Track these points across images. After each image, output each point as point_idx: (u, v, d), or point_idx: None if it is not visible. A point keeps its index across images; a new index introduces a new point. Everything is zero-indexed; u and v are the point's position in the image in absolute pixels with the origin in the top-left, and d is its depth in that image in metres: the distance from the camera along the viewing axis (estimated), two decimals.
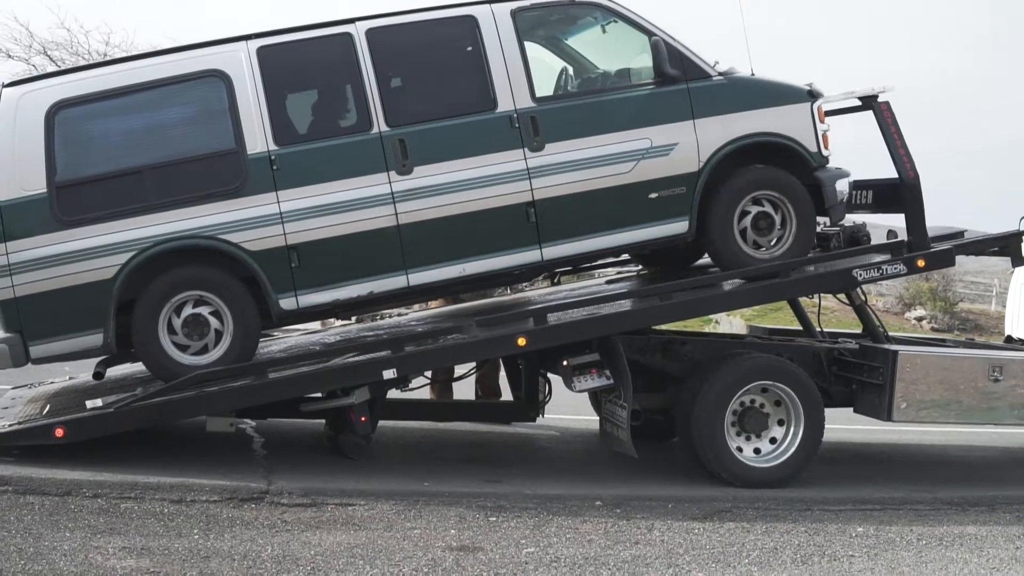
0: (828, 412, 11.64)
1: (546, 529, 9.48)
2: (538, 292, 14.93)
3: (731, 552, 9.14)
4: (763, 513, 10.35)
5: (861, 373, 11.95)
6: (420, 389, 12.95)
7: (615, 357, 11.04)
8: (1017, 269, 14.94)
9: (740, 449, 11.32)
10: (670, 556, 8.95)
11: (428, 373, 13.48)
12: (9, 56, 36.53)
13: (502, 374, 14.17)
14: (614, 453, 11.50)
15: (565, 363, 11.11)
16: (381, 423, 13.02)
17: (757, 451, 11.39)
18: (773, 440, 11.43)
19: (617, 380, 11.06)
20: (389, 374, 10.73)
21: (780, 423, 11.45)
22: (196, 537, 8.70)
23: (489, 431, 13.96)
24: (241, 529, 8.97)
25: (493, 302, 14.40)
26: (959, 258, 12.46)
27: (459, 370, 14.07)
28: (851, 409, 12.27)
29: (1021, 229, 13.02)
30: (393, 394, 12.17)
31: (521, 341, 10.88)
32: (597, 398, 11.98)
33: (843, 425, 13.39)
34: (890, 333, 13.27)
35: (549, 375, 12.96)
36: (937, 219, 12.47)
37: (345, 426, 11.46)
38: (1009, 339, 15.31)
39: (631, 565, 8.69)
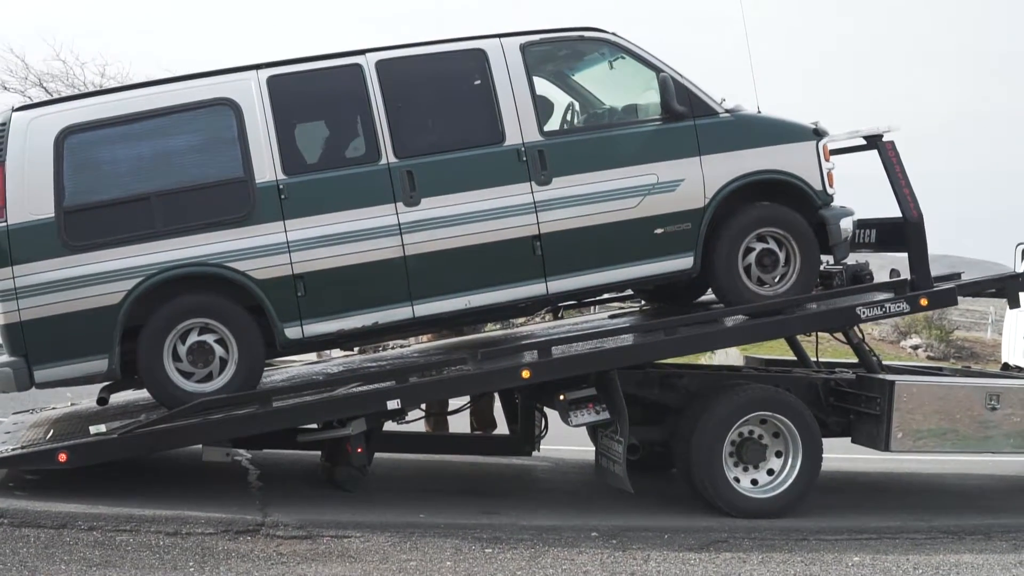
0: (825, 440, 11.62)
1: (542, 560, 9.45)
2: (539, 327, 14.93)
3: None
4: (759, 543, 10.33)
5: (858, 404, 11.94)
6: (416, 422, 12.90)
7: (612, 392, 11.03)
8: None
9: (738, 480, 11.31)
10: None
11: (424, 406, 13.48)
12: (5, 88, 36.73)
13: (497, 405, 14.14)
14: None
15: (562, 397, 11.10)
16: (376, 455, 13.02)
17: (755, 482, 11.38)
18: (771, 471, 11.42)
19: (613, 415, 11.05)
20: (393, 404, 10.72)
21: (778, 454, 11.43)
22: (192, 570, 8.69)
23: (485, 462, 13.94)
24: (237, 562, 8.96)
25: (486, 337, 14.40)
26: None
27: (454, 404, 14.06)
28: (848, 439, 12.25)
29: (1017, 271, 13.07)
30: (389, 427, 12.16)
31: (525, 374, 10.88)
32: (594, 431, 11.96)
33: (839, 455, 13.36)
34: (886, 362, 13.27)
35: (545, 409, 12.92)
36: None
37: (341, 458, 11.44)
38: (1006, 366, 15.32)
39: None
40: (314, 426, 11.48)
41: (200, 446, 10.99)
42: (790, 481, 11.35)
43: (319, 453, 12.06)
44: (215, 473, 12.08)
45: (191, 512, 10.11)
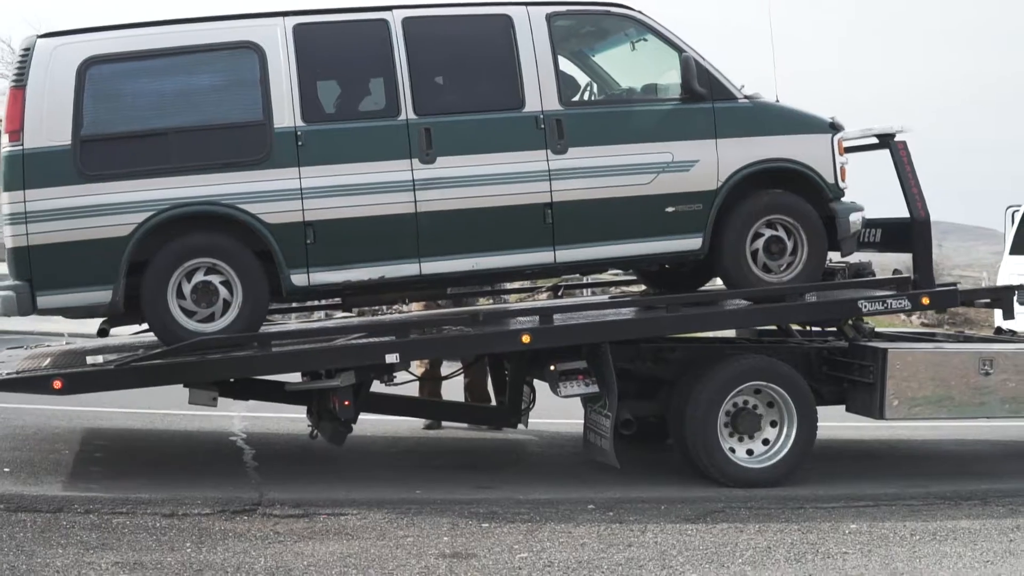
0: (819, 408, 11.64)
1: (539, 534, 9.46)
2: (537, 304, 14.91)
3: (725, 552, 9.12)
4: (756, 512, 10.34)
5: (852, 372, 11.94)
6: (407, 387, 12.85)
7: (603, 365, 11.03)
8: (1005, 259, 15.00)
9: (733, 450, 11.31)
10: (663, 558, 8.93)
11: (417, 371, 13.53)
12: None
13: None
14: None
15: (553, 368, 11.11)
16: (372, 431, 13.03)
17: (750, 452, 11.38)
18: (766, 441, 11.42)
19: (602, 388, 11.06)
20: (392, 358, 10.72)
21: (773, 424, 11.43)
22: (189, 550, 8.68)
23: (480, 437, 13.96)
24: (234, 541, 8.94)
25: (481, 310, 14.41)
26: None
27: (446, 371, 14.13)
28: (843, 407, 12.27)
29: (1012, 284, 13.17)
30: (377, 388, 12.14)
31: (526, 338, 10.86)
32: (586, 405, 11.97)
33: (835, 423, 13.37)
34: (879, 329, 13.28)
35: (535, 383, 12.93)
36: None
37: (327, 413, 11.47)
38: (999, 330, 15.32)
39: (625, 568, 8.68)
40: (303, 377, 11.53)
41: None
42: (785, 450, 11.36)
43: (310, 427, 12.04)
44: (210, 453, 12.10)
45: (187, 493, 10.12)
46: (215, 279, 10.49)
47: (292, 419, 13.66)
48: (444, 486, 11.01)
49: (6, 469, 10.44)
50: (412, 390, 13.52)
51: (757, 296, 11.69)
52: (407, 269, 10.91)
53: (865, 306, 11.69)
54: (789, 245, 11.68)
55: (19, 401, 13.58)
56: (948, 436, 15.08)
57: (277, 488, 10.49)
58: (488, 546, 9.07)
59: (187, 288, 10.46)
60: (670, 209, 11.34)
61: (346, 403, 10.90)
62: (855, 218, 11.77)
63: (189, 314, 10.50)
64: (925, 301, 12.04)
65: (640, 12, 11.60)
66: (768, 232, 11.63)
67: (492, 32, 11.25)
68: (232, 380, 11.85)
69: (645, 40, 11.68)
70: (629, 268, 13.49)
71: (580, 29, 11.92)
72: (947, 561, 9.05)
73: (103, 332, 12.05)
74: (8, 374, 10.92)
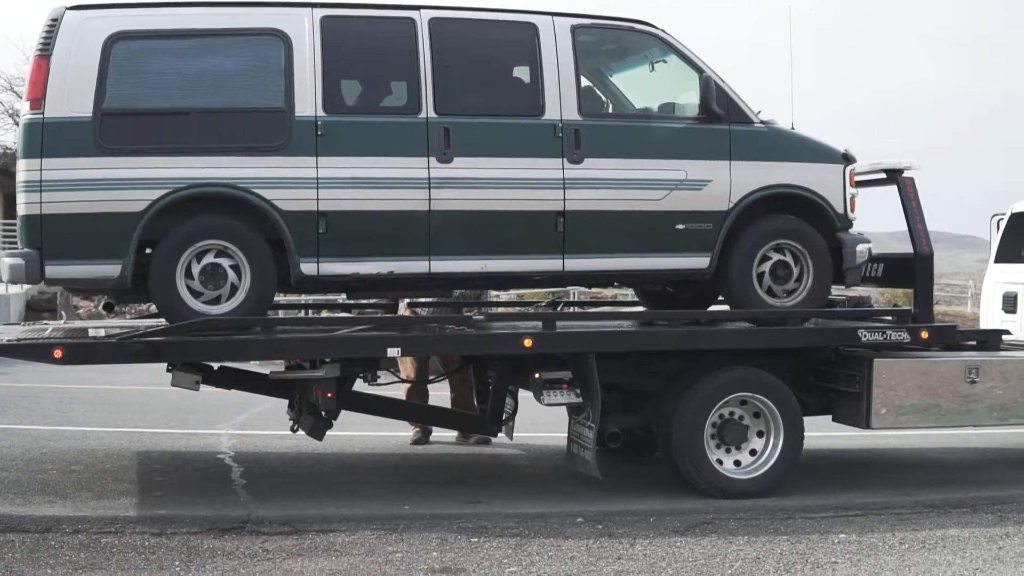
0: (806, 418, 11.67)
1: (528, 548, 9.45)
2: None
3: (714, 564, 9.12)
4: (744, 523, 10.35)
5: (838, 381, 11.98)
6: (387, 386, 12.85)
7: (587, 376, 11.05)
8: (990, 267, 15.04)
9: (720, 461, 11.33)
10: (653, 570, 8.93)
11: (404, 375, 13.62)
12: None
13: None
14: None
15: (537, 376, 11.15)
16: (359, 447, 13.04)
17: (737, 463, 11.40)
18: (753, 452, 11.45)
19: (586, 399, 11.08)
20: (394, 352, 10.84)
21: (760, 435, 11.46)
22: (178, 569, 8.66)
23: (467, 452, 13.97)
24: (223, 560, 8.93)
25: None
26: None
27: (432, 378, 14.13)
28: (829, 417, 12.30)
29: (999, 329, 13.33)
30: (360, 387, 12.17)
31: (528, 342, 10.88)
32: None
33: (822, 432, 13.39)
34: None
35: (519, 393, 12.94)
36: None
37: (308, 407, 11.51)
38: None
39: None
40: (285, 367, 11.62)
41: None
42: (772, 461, 11.39)
43: (301, 448, 12.05)
44: (198, 472, 12.07)
45: (175, 511, 10.11)
46: (225, 262, 10.51)
47: (279, 436, 13.67)
48: (432, 501, 11.00)
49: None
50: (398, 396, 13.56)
51: (760, 318, 11.76)
52: (416, 266, 10.96)
53: (865, 335, 11.76)
54: (795, 271, 11.78)
55: (6, 422, 13.61)
56: (935, 444, 15.11)
57: (265, 506, 10.48)
58: (477, 561, 9.06)
59: (196, 269, 10.47)
60: (680, 226, 11.43)
61: (329, 395, 10.95)
62: (862, 249, 11.90)
63: (196, 294, 10.49)
64: (924, 335, 12.03)
65: (663, 31, 11.71)
66: (776, 256, 11.73)
67: (517, 39, 11.37)
68: (217, 368, 11.94)
69: (664, 61, 11.78)
70: (635, 283, 13.56)
71: (603, 45, 12.02)
72: (936, 569, 9.06)
73: (109, 307, 12.11)
74: (9, 340, 10.95)
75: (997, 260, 14.84)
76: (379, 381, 12.23)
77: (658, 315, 12.57)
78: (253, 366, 12.77)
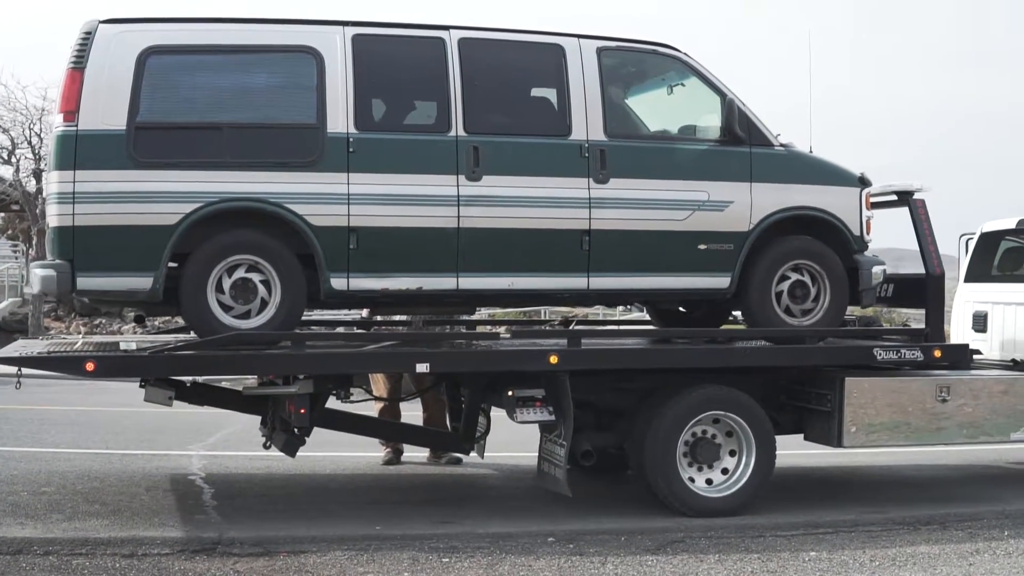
0: (778, 437, 11.70)
1: (499, 568, 9.44)
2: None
3: None
4: (716, 542, 10.36)
5: (809, 400, 12.03)
6: (360, 404, 12.89)
7: (560, 394, 11.06)
8: (960, 286, 15.10)
9: (692, 479, 11.34)
10: None
11: (377, 393, 13.62)
12: None
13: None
14: None
15: (511, 394, 11.15)
16: (331, 468, 12.99)
17: (709, 481, 11.42)
18: (725, 470, 11.46)
19: (559, 417, 11.09)
20: (422, 368, 10.89)
21: (732, 453, 11.48)
22: None
23: (439, 472, 13.96)
24: None
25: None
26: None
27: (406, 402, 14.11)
28: (801, 436, 12.33)
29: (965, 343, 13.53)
30: (333, 404, 12.21)
31: (553, 359, 10.95)
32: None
33: (794, 450, 13.42)
34: None
35: (492, 412, 12.94)
36: None
37: (281, 423, 11.54)
38: (1015, 362, 15.40)
39: None
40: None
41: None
42: (744, 479, 11.41)
43: (272, 470, 12.02)
44: (169, 493, 12.03)
45: (146, 533, 10.07)
46: (255, 277, 10.56)
47: (251, 457, 13.64)
48: (404, 521, 10.99)
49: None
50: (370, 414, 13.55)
51: (778, 336, 11.92)
52: (445, 282, 11.05)
53: (880, 354, 11.90)
54: (813, 291, 11.98)
55: None
56: (906, 462, 15.17)
57: (236, 527, 10.44)
58: None
59: (227, 283, 10.51)
60: (702, 246, 11.60)
61: (302, 411, 10.96)
62: (877, 271, 12.10)
63: (226, 308, 10.53)
64: (937, 354, 12.22)
65: (685, 54, 11.87)
66: (794, 276, 11.91)
67: (544, 60, 11.48)
68: (190, 384, 11.95)
69: (683, 85, 11.97)
70: (657, 301, 13.62)
71: (627, 67, 12.15)
72: None
73: (139, 319, 12.26)
74: (40, 352, 10.94)
75: (967, 280, 14.90)
76: (352, 398, 12.27)
77: (675, 333, 12.87)
78: (226, 382, 12.77)
